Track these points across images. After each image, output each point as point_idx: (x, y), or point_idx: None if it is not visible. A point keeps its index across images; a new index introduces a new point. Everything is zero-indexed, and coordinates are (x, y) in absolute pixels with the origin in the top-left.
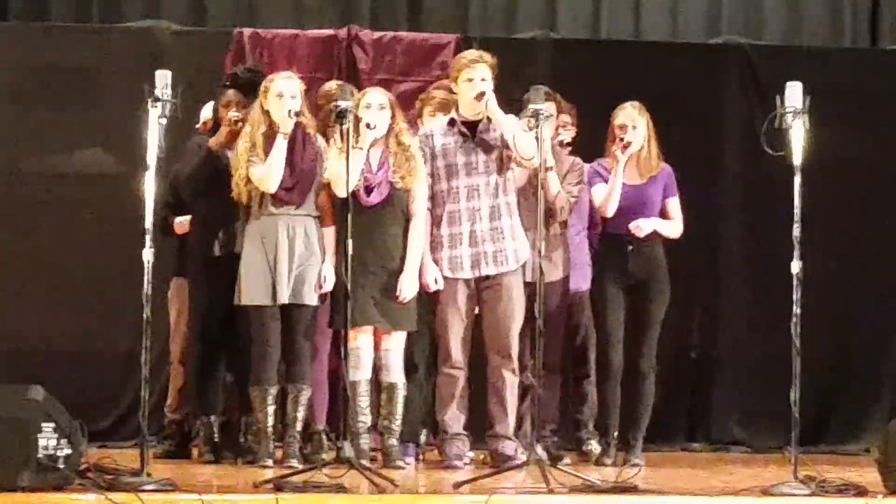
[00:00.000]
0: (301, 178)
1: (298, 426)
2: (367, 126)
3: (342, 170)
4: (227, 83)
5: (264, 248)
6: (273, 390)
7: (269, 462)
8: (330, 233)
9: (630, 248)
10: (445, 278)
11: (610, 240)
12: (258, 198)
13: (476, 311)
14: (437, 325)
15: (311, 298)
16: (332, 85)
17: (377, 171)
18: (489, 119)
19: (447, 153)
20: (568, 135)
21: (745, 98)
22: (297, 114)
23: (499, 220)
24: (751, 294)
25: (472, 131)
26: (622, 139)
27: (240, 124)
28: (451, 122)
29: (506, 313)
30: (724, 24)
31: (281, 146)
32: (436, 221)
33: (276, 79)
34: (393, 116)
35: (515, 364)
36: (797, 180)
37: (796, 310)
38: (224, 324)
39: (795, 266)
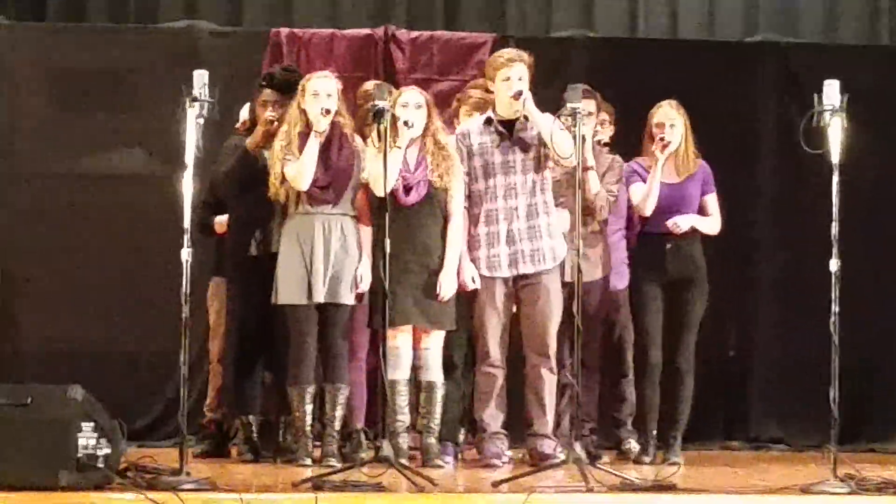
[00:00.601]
0: (336, 177)
1: (337, 425)
2: (406, 124)
3: (380, 169)
4: (264, 83)
5: (300, 247)
6: (311, 389)
7: (308, 461)
8: (367, 232)
9: (668, 246)
10: (483, 277)
11: (648, 238)
12: (294, 197)
13: (514, 309)
14: (476, 323)
15: (347, 297)
16: (370, 85)
17: (415, 170)
18: (526, 118)
19: (484, 152)
20: (606, 134)
21: (781, 96)
22: (335, 113)
23: (536, 218)
24: (789, 292)
25: (508, 130)
26: (661, 138)
27: (276, 124)
28: (488, 121)
29: (544, 312)
30: (760, 22)
31: (313, 144)
32: (473, 220)
33: (312, 78)
34: (429, 115)
35: (553, 363)
36: (835, 178)
37: (835, 308)
38: (262, 323)
39: (834, 264)
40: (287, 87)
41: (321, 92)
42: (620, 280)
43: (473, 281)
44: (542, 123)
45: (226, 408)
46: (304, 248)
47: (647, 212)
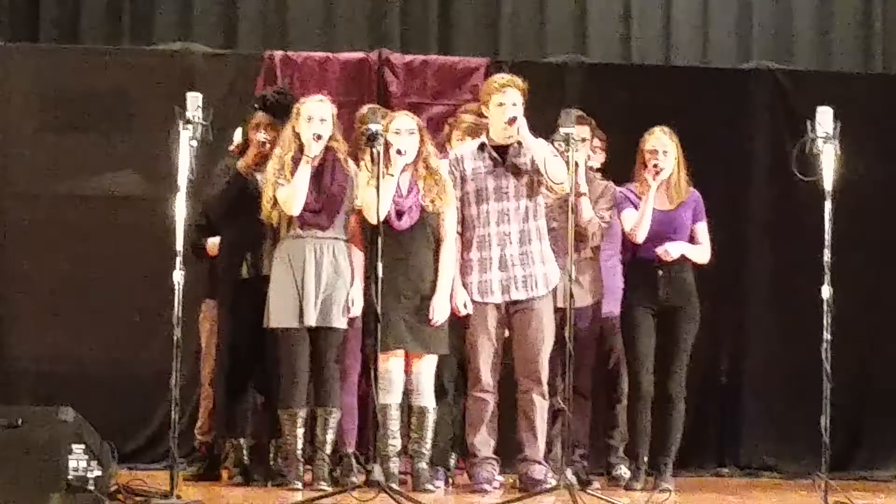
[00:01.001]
0: (329, 202)
1: (328, 449)
2: (398, 153)
3: (374, 195)
4: (257, 105)
5: (292, 270)
6: (302, 413)
7: (299, 485)
8: (359, 256)
9: (660, 273)
10: (475, 303)
11: (640, 265)
12: (286, 220)
13: (506, 335)
14: (468, 349)
15: (339, 321)
16: (366, 109)
17: (407, 195)
18: (520, 143)
19: (477, 177)
20: (598, 160)
21: (774, 123)
22: (329, 137)
23: (529, 244)
24: (780, 319)
25: (502, 156)
26: (655, 164)
27: (268, 146)
28: (482, 147)
29: (536, 338)
30: (754, 49)
31: (304, 170)
32: (466, 246)
33: (306, 102)
34: (421, 141)
35: (545, 388)
36: (828, 206)
37: (826, 335)
38: (253, 346)
39: (826, 291)
40: (280, 110)
41: (315, 116)
42: (617, 305)
43: (465, 306)
44: (536, 149)
45: (216, 431)
46: (296, 272)
47: (640, 238)
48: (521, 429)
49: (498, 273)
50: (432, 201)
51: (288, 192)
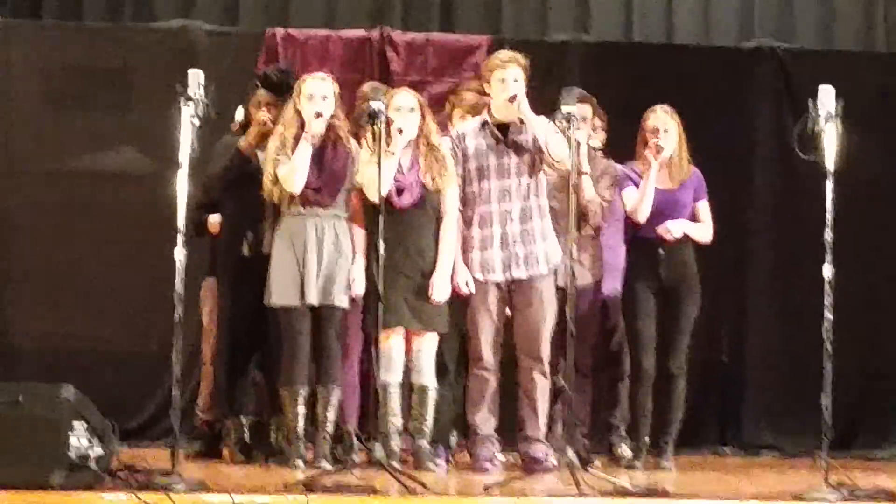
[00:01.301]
0: (329, 180)
1: (329, 427)
2: (399, 131)
3: (374, 173)
4: (259, 83)
5: (293, 248)
6: (303, 391)
7: (300, 463)
8: (360, 234)
9: (661, 252)
10: (476, 280)
11: (641, 244)
12: (287, 197)
13: (507, 313)
14: (469, 326)
15: (340, 299)
16: (368, 86)
17: (408, 172)
18: (521, 121)
19: (479, 155)
20: (599, 139)
21: (776, 102)
22: (330, 115)
23: (530, 222)
24: (781, 298)
25: (504, 133)
26: (655, 143)
27: (270, 124)
28: (483, 124)
29: (537, 316)
30: (756, 28)
31: (305, 147)
32: (467, 223)
33: (308, 79)
34: (423, 118)
35: (546, 367)
36: (829, 185)
37: (828, 315)
38: (253, 324)
39: (827, 271)
40: (281, 88)
41: (316, 94)
42: (620, 285)
43: (467, 285)
44: (538, 126)
45: (217, 408)
46: (297, 250)
47: (641, 218)
48: (521, 407)
49: (499, 251)
50: (433, 179)
51: (289, 170)
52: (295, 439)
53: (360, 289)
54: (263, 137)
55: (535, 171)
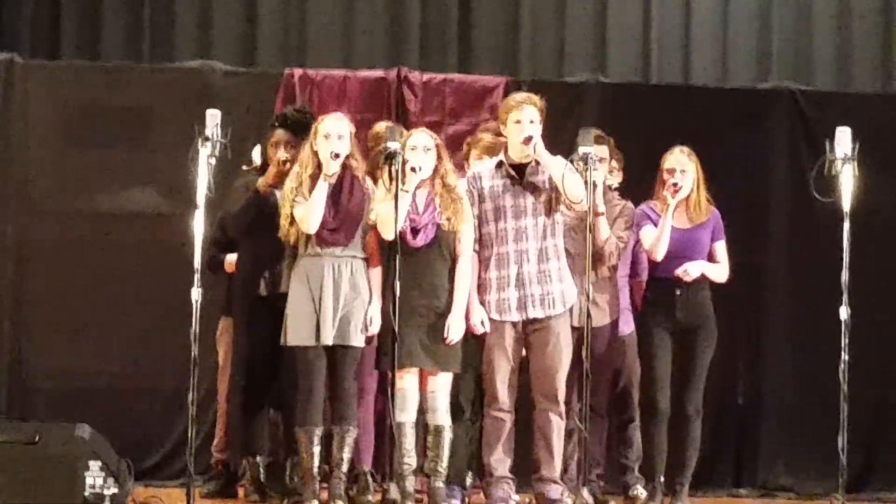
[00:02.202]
0: (346, 220)
1: (344, 467)
2: (413, 170)
3: (389, 211)
4: (277, 123)
5: (310, 289)
6: (318, 431)
7: (315, 503)
8: (377, 274)
9: (678, 292)
10: (492, 321)
11: (658, 284)
12: (304, 238)
13: (523, 353)
14: (484, 367)
15: (357, 339)
16: (381, 126)
17: (423, 212)
18: (537, 162)
19: (495, 195)
20: (615, 179)
21: (793, 143)
22: (347, 155)
23: (546, 262)
24: (798, 340)
25: (520, 174)
26: (674, 183)
27: (288, 164)
28: (499, 165)
29: (553, 357)
30: (773, 69)
31: (321, 188)
32: (483, 264)
33: (324, 120)
34: (439, 158)
35: (562, 407)
36: (846, 226)
37: (844, 356)
38: (269, 363)
39: (844, 312)
40: (299, 128)
41: (332, 134)
42: (626, 325)
43: (483, 324)
44: (554, 167)
45: (232, 448)
46: (314, 290)
47: (659, 256)
48: (537, 448)
49: (515, 291)
50: (448, 219)
51: (305, 211)
52: (310, 479)
53: (376, 328)
54: (281, 177)
55: (551, 212)
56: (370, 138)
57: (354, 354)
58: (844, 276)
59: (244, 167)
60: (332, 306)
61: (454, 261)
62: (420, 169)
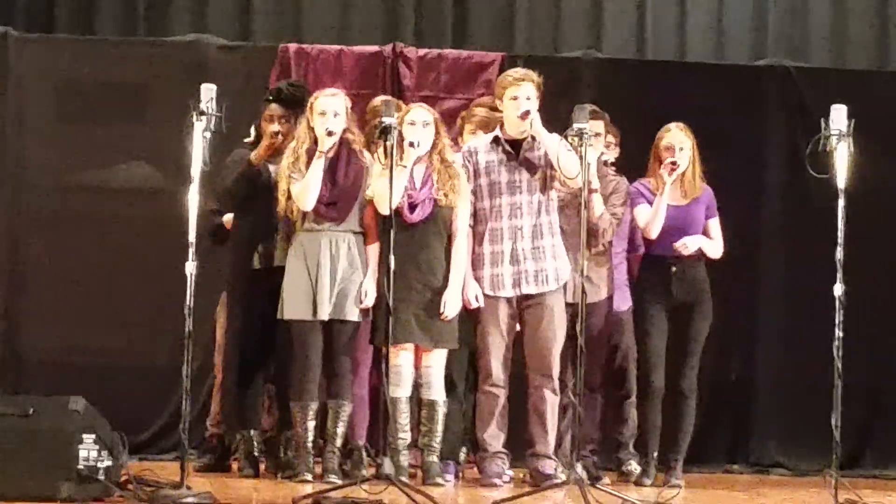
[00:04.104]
0: (343, 195)
1: (339, 441)
2: (411, 145)
3: (385, 187)
4: (271, 97)
5: (307, 263)
6: (314, 405)
7: (309, 477)
8: (373, 249)
9: (674, 269)
10: (487, 296)
11: (653, 261)
12: (301, 213)
13: (517, 329)
14: (479, 343)
15: (353, 314)
16: (378, 101)
17: (420, 188)
18: (533, 138)
19: (490, 171)
20: (611, 155)
21: (788, 120)
22: (343, 131)
23: (541, 239)
24: (792, 316)
25: (515, 150)
26: (672, 161)
27: (280, 137)
28: (495, 140)
29: (547, 333)
30: (769, 46)
31: (317, 165)
32: (478, 239)
33: (320, 96)
34: (437, 133)
35: (556, 383)
36: (841, 203)
37: (838, 333)
38: (264, 337)
39: (838, 289)
40: (293, 102)
41: (328, 111)
42: (624, 302)
43: (477, 299)
44: (550, 144)
45: (226, 422)
46: (311, 265)
47: (654, 234)
48: (531, 423)
49: (509, 267)
50: (446, 195)
51: (302, 187)
52: (304, 453)
53: (370, 301)
54: (274, 150)
55: (546, 189)
56: (368, 111)
57: (350, 329)
58: (839, 253)
59: (245, 140)
60: (328, 281)
61: (450, 237)
62: (418, 144)
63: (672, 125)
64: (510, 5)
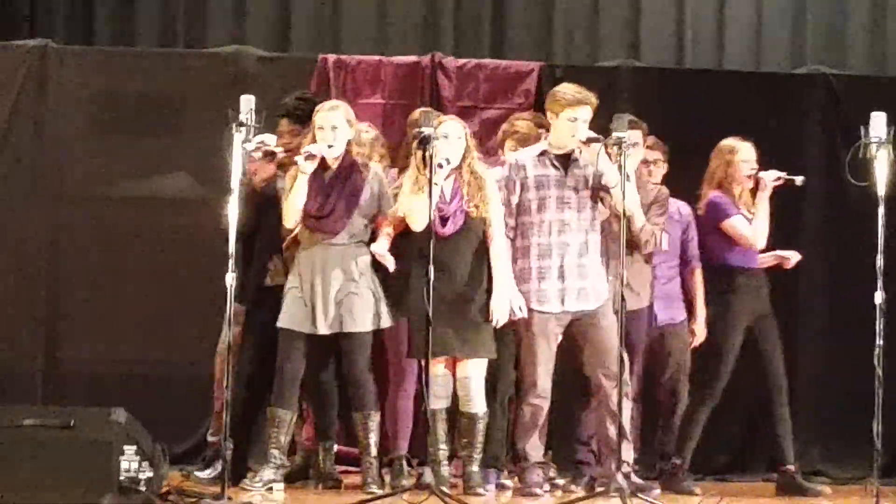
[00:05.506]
0: (338, 207)
1: (373, 451)
2: (440, 166)
3: (418, 202)
4: (281, 113)
5: (300, 278)
6: (287, 416)
7: (259, 484)
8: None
9: (754, 282)
10: (532, 310)
11: (734, 273)
12: (300, 227)
13: (559, 340)
14: (524, 354)
15: (359, 325)
16: (418, 113)
17: (451, 201)
18: (580, 152)
19: (540, 185)
20: (659, 172)
21: (828, 128)
22: (346, 142)
23: (587, 256)
24: (833, 324)
25: (563, 164)
26: (755, 170)
27: (281, 156)
28: (542, 153)
29: (610, 338)
30: (808, 54)
31: (301, 182)
32: (524, 253)
33: (320, 111)
34: (467, 147)
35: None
36: (881, 210)
37: (879, 341)
38: (273, 352)
39: (879, 297)
40: (302, 117)
41: (326, 125)
42: (679, 313)
43: (520, 309)
44: (611, 174)
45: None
46: (304, 280)
47: (761, 244)
48: (609, 433)
49: (556, 283)
50: (476, 206)
51: (284, 206)
52: (264, 462)
53: (385, 323)
54: (281, 167)
55: (594, 207)
56: (409, 124)
57: (360, 340)
58: (879, 261)
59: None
60: (321, 295)
61: (484, 246)
62: (448, 162)
63: (738, 139)
64: (548, 15)
